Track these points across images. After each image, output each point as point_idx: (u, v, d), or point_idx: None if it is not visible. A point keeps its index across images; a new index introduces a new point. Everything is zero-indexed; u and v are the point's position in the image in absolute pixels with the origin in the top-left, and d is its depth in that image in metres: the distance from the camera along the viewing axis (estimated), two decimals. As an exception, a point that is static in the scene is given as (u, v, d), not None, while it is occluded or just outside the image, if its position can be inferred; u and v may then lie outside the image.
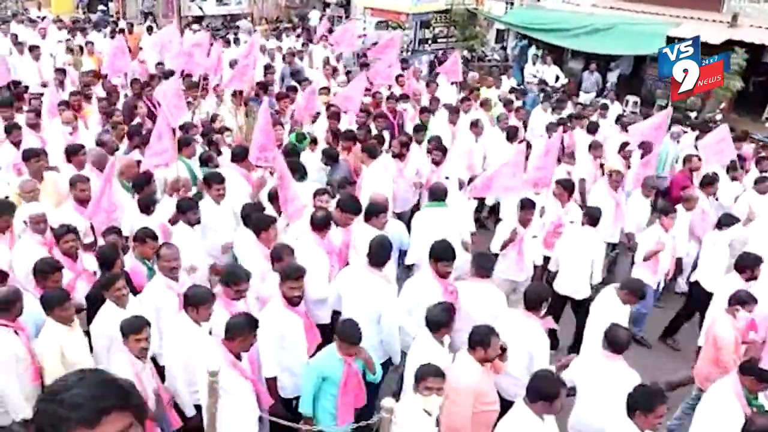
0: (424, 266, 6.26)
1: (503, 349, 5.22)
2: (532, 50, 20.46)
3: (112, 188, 6.90)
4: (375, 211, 7.01)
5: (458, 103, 12.52)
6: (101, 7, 27.98)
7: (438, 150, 9.22)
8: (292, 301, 5.51)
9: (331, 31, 21.63)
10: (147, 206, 7.14)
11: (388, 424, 4.46)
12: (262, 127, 8.28)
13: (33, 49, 15.09)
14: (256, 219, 6.68)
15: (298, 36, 20.16)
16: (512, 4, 22.60)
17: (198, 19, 25.44)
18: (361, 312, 5.79)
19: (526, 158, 9.19)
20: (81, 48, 16.44)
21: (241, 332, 4.84)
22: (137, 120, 10.56)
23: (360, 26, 21.80)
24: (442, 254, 6.05)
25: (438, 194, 7.80)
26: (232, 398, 4.83)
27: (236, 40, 19.05)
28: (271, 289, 5.83)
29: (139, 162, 8.27)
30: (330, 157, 8.99)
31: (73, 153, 8.21)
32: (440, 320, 5.30)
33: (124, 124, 10.03)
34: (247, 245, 6.70)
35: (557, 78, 18.41)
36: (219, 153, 9.13)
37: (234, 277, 5.59)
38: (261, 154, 8.09)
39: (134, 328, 4.83)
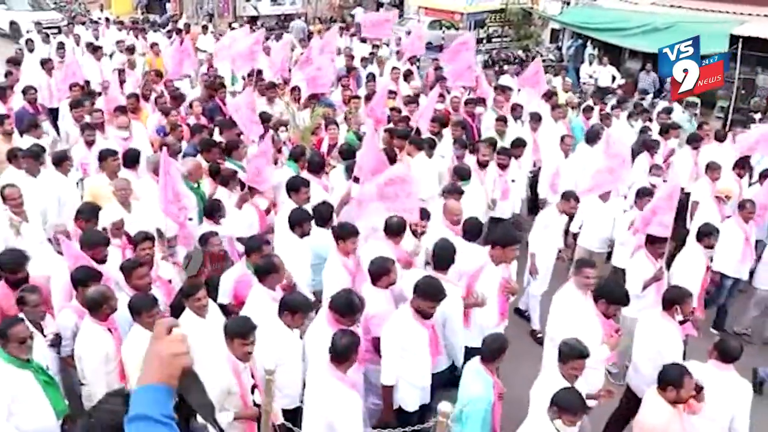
0: (589, 299, 5.82)
1: (699, 389, 4.94)
2: (588, 50, 20.16)
3: (175, 181, 6.88)
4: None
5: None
6: (165, 1, 28.76)
7: (504, 154, 9.13)
8: (424, 314, 5.37)
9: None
10: (212, 213, 7.17)
11: (445, 428, 4.44)
12: (370, 151, 7.87)
13: (96, 49, 15.52)
14: (340, 227, 6.55)
15: (352, 35, 20.23)
16: (568, 3, 22.33)
17: (253, 19, 25.82)
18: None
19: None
20: (134, 48, 16.68)
21: (355, 353, 4.82)
22: (192, 119, 10.66)
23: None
24: (616, 297, 5.67)
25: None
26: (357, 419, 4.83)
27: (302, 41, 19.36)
28: (376, 307, 5.76)
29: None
30: (388, 158, 8.95)
31: (131, 160, 8.34)
32: (571, 353, 4.99)
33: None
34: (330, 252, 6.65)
35: (613, 78, 18.08)
36: (279, 151, 9.25)
37: (350, 310, 5.26)
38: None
39: (242, 333, 4.77)
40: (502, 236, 6.24)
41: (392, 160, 8.97)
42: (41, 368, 4.75)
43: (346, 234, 6.33)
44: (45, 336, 5.28)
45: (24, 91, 11.15)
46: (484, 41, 21.41)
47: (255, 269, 5.89)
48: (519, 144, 9.76)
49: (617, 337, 5.65)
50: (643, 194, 8.09)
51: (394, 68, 14.55)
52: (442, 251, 6.00)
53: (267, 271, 5.75)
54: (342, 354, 4.69)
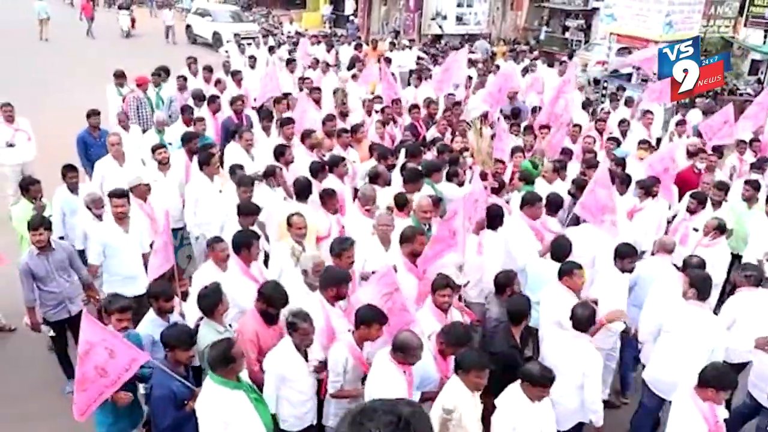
0: None
1: None
2: (795, 85, 18.66)
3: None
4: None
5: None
6: (352, 17, 29.95)
7: (695, 198, 8.72)
8: None
9: (570, 56, 21.31)
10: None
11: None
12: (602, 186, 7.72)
13: (289, 62, 16.33)
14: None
15: (534, 59, 19.99)
16: (772, 32, 20.84)
17: (437, 38, 26.23)
18: (692, 347, 5.75)
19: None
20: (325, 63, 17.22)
21: None
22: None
23: (603, 52, 21.17)
24: None
25: None
26: None
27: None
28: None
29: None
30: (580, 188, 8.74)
31: (335, 165, 8.64)
32: None
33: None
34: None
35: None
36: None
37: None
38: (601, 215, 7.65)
39: None
40: None
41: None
42: (250, 386, 4.90)
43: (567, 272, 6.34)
44: (308, 362, 5.30)
45: (232, 102, 11.59)
46: (678, 71, 20.38)
47: None
48: None
49: None
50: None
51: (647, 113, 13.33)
52: (704, 284, 5.99)
53: None
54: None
